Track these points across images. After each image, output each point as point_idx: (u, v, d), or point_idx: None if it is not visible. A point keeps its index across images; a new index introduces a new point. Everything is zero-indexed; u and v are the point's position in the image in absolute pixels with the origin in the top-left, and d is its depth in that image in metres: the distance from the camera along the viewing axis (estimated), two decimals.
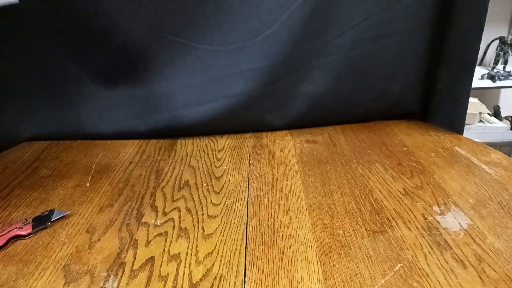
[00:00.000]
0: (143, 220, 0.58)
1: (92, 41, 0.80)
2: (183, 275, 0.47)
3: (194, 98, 0.84)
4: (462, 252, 0.49)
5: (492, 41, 1.69)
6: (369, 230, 0.54)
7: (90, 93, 0.85)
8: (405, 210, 0.59)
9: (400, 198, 0.62)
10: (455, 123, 0.86)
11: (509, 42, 1.64)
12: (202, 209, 0.60)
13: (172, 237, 0.54)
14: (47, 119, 0.86)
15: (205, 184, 0.68)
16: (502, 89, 1.82)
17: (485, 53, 1.74)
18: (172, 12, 0.78)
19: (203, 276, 0.46)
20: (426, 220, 0.56)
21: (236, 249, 0.51)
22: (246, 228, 0.55)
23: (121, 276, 0.47)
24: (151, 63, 0.83)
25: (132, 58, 0.82)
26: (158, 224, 0.57)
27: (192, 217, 0.58)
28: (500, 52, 1.65)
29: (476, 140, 0.82)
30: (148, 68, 0.83)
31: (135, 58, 0.82)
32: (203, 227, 0.56)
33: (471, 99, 0.82)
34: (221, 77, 0.83)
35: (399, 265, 0.47)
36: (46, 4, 0.76)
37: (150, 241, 0.53)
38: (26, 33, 0.79)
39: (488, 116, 1.61)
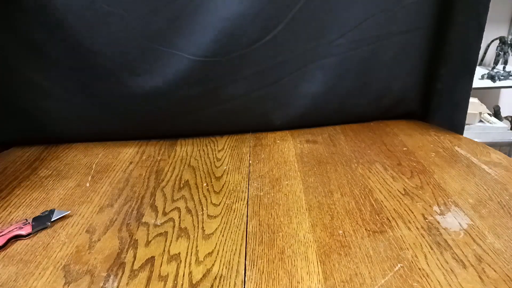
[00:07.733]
0: (143, 220, 0.58)
1: (73, 52, 0.72)
2: (183, 275, 0.47)
3: (191, 107, 0.81)
4: (462, 252, 0.49)
5: (492, 41, 1.69)
6: (369, 230, 0.54)
7: (68, 110, 0.79)
8: (405, 210, 0.59)
9: (400, 198, 0.62)
10: (455, 123, 0.87)
11: (509, 42, 1.64)
12: (202, 209, 0.60)
13: (172, 237, 0.54)
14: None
15: (205, 184, 0.68)
16: (502, 89, 1.82)
17: (485, 53, 1.74)
18: (164, 21, 0.72)
19: (203, 276, 0.46)
20: (426, 220, 0.56)
21: (236, 249, 0.51)
22: (246, 228, 0.55)
23: (121, 276, 0.47)
24: (142, 76, 0.76)
25: (120, 71, 0.75)
26: (158, 224, 0.57)
27: (192, 217, 0.58)
28: (500, 52, 1.65)
29: (476, 140, 0.82)
30: (138, 81, 0.76)
31: (123, 71, 0.75)
32: (203, 227, 0.56)
33: (471, 99, 0.82)
34: (220, 86, 0.79)
35: (399, 265, 0.47)
36: (23, 11, 0.69)
37: (150, 241, 0.53)
38: None
39: (488, 116, 1.61)
